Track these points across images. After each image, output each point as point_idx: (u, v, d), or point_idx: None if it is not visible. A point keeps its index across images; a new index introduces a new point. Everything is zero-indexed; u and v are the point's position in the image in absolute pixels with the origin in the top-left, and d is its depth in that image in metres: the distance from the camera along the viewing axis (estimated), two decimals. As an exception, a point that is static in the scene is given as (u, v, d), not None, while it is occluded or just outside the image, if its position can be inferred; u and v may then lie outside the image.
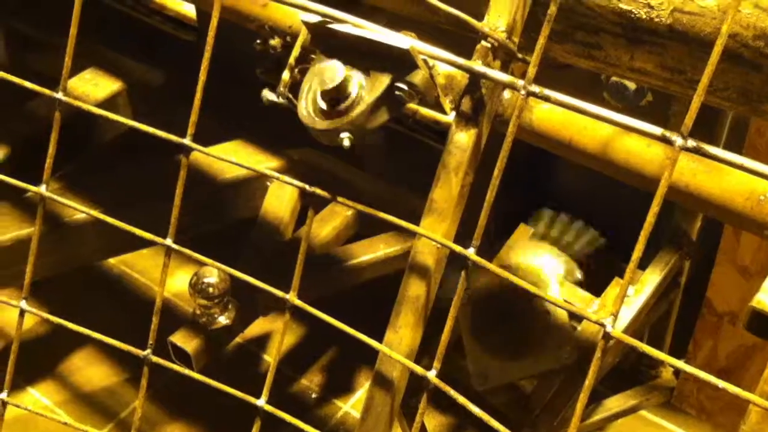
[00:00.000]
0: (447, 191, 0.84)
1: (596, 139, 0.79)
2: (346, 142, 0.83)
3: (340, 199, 0.87)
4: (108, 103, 1.88)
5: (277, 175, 0.90)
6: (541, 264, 1.28)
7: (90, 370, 1.91)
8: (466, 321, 1.27)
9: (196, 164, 1.65)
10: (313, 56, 0.89)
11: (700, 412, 1.42)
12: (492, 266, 0.79)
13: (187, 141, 0.91)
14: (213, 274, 1.38)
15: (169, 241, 0.94)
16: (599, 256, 1.36)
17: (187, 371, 0.95)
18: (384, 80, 0.82)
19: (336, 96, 0.82)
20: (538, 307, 1.23)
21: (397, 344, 0.88)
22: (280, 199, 1.62)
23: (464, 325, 1.28)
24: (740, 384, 1.36)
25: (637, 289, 1.22)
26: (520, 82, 0.73)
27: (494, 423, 0.76)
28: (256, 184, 1.67)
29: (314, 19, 0.86)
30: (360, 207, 0.87)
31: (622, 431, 1.48)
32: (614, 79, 1.14)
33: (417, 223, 0.85)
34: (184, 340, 1.39)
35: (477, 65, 0.79)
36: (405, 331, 0.88)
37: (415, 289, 0.87)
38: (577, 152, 0.80)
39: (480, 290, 1.27)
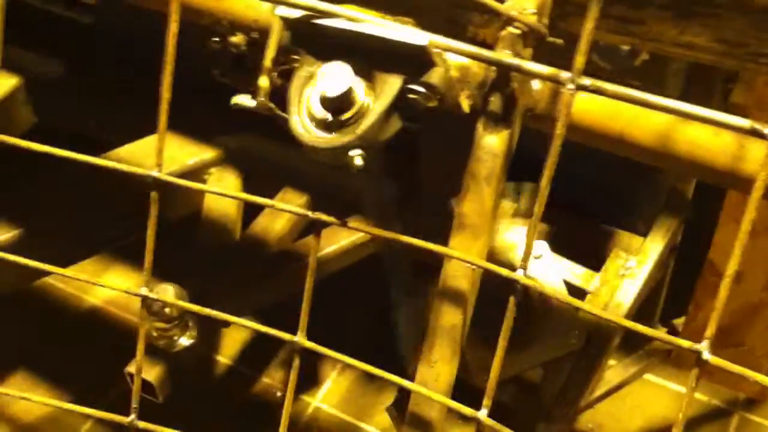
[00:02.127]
0: (479, 204, 0.72)
1: (651, 131, 0.68)
2: (358, 161, 0.70)
3: (351, 223, 0.75)
4: (8, 102, 1.66)
5: (271, 202, 0.76)
6: (515, 240, 1.18)
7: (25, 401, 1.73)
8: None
9: (121, 162, 1.48)
10: (295, 56, 0.75)
11: (728, 381, 1.37)
12: (539, 285, 0.69)
13: (156, 173, 0.77)
14: (168, 292, 1.23)
15: (144, 291, 0.81)
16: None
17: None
18: (394, 83, 0.69)
19: (341, 105, 0.69)
20: (533, 292, 1.13)
21: (434, 381, 0.78)
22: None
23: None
24: (744, 340, 1.31)
25: (640, 261, 1.14)
26: (565, 74, 0.62)
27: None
28: (191, 179, 1.51)
29: (294, 13, 0.72)
30: (377, 232, 0.74)
31: (627, 399, 1.42)
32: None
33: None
34: (145, 370, 1.24)
35: (507, 57, 0.67)
36: (441, 366, 0.77)
37: (449, 318, 0.77)
38: (630, 146, 0.70)
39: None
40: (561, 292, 0.69)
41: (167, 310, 1.26)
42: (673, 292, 1.37)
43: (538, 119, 0.72)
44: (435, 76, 0.68)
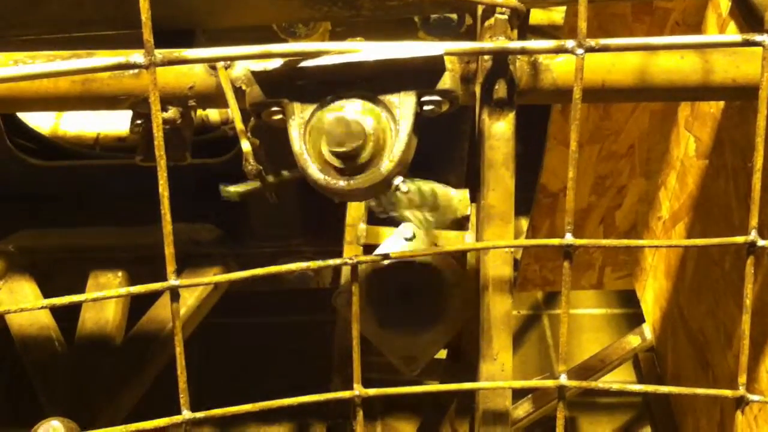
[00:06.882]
0: (503, 190, 0.74)
1: (629, 72, 0.74)
2: (404, 187, 0.68)
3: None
4: None
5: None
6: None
7: None
8: (367, 316, 1.17)
9: None
10: (274, 108, 0.69)
11: (544, 285, 1.50)
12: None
13: (173, 281, 0.68)
14: (59, 429, 1.06)
15: None
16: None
17: None
18: (409, 100, 0.68)
19: (355, 153, 0.66)
20: (429, 268, 1.17)
21: (500, 372, 0.78)
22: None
23: (365, 322, 1.17)
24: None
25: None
26: (570, 42, 0.66)
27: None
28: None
29: (271, 65, 0.67)
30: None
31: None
32: (434, 16, 1.08)
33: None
34: None
35: (508, 43, 0.69)
36: (504, 355, 0.78)
37: (501, 307, 0.77)
38: (615, 92, 0.75)
39: (367, 281, 1.16)
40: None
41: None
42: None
43: (522, 95, 0.75)
44: (448, 81, 0.68)
